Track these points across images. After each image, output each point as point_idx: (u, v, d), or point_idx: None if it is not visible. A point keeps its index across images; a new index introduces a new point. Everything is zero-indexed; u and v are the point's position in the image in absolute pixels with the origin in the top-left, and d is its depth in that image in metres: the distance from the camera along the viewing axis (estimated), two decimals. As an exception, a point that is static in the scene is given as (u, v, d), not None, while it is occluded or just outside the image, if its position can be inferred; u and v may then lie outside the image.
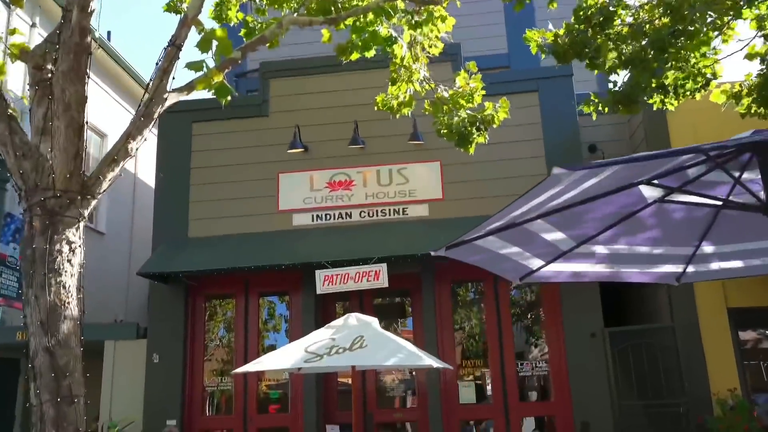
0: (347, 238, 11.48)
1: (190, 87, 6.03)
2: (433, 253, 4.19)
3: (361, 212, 11.88)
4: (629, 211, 4.41)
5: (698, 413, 10.33)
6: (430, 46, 8.38)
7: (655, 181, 3.92)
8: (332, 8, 7.22)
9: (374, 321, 7.62)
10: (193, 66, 5.79)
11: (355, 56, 7.99)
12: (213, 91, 5.99)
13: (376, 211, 11.85)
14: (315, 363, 6.87)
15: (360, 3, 7.29)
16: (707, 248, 5.08)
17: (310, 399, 11.29)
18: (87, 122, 5.63)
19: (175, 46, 5.94)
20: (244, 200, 12.14)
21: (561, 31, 8.72)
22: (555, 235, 4.40)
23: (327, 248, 11.23)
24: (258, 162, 12.27)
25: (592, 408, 10.68)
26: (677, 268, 5.26)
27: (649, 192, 4.23)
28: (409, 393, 11.81)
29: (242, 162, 12.32)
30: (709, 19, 8.71)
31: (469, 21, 9.98)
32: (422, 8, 7.55)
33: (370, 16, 7.46)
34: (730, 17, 8.84)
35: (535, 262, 4.78)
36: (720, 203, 4.27)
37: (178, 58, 5.96)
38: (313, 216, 11.96)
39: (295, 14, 6.89)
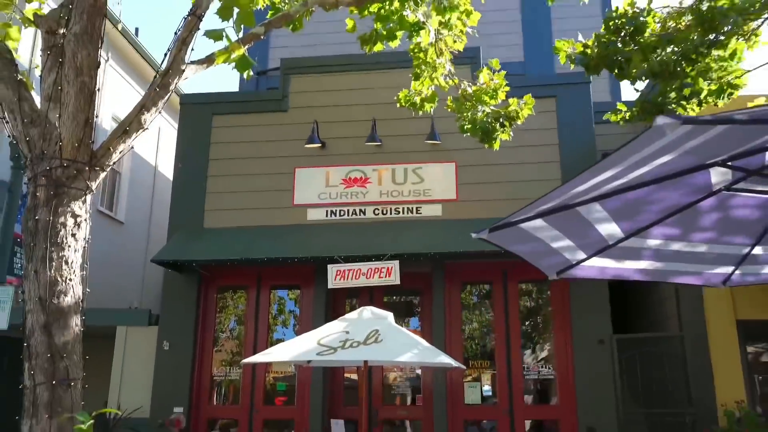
0: (361, 235, 10.80)
1: (210, 59, 5.35)
2: (474, 236, 3.47)
3: (375, 210, 11.20)
4: (691, 201, 3.68)
5: (704, 424, 9.73)
6: (455, 42, 7.69)
7: (730, 163, 3.21)
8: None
9: (389, 315, 6.93)
10: (212, 34, 5.11)
11: (379, 47, 7.31)
12: (234, 64, 5.31)
13: (390, 209, 11.17)
14: (328, 356, 6.19)
15: (387, -12, 6.60)
16: (761, 249, 4.36)
17: (316, 392, 10.62)
18: (99, 89, 4.96)
19: (195, 15, 5.25)
20: (260, 193, 11.48)
21: (590, 42, 8.14)
22: (609, 227, 3.68)
23: (340, 243, 10.57)
24: (275, 156, 11.60)
25: (597, 414, 10.02)
26: (726, 270, 4.55)
27: (717, 178, 3.52)
28: (415, 391, 11.09)
29: (260, 155, 11.66)
30: (729, 27, 8.10)
31: (487, 29, 9.36)
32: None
33: (396, 4, 6.80)
34: (760, 23, 8.24)
35: (578, 255, 4.05)
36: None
37: (198, 29, 5.28)
38: (327, 211, 11.29)
39: (322, -6, 6.18)
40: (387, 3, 6.57)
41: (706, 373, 10.02)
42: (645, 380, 10.26)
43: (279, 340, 10.98)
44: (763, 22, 8.20)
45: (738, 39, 8.27)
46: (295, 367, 10.69)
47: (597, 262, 4.18)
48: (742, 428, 9.23)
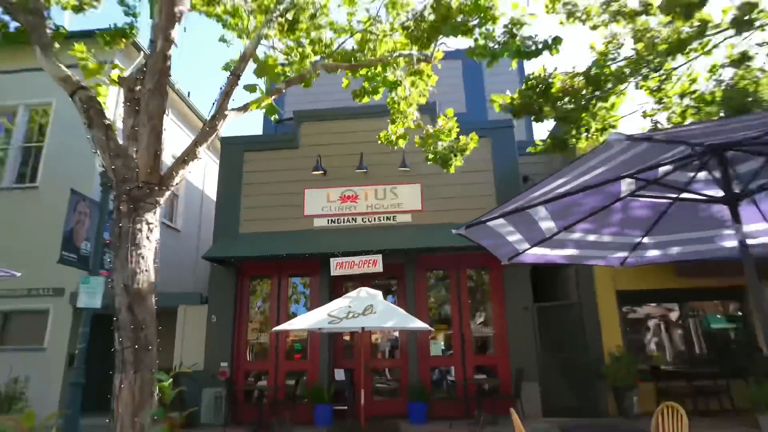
0: (353, 236, 10.57)
1: (245, 107, 5.13)
2: (454, 232, 3.29)
3: (363, 218, 10.98)
4: (606, 204, 3.56)
5: (595, 363, 9.75)
6: (420, 96, 7.55)
7: (637, 176, 3.09)
8: (352, 59, 6.35)
9: (379, 294, 6.70)
10: (249, 88, 4.90)
11: (366, 99, 7.11)
12: (264, 110, 5.09)
13: (374, 217, 10.96)
14: (336, 324, 5.94)
15: (373, 56, 6.42)
16: (647, 239, 4.25)
17: (324, 350, 10.33)
18: (165, 129, 4.69)
19: (235, 75, 5.04)
20: (279, 207, 11.18)
21: (515, 96, 8.14)
22: (548, 224, 3.53)
23: (339, 243, 10.32)
24: (290, 180, 11.33)
25: (523, 359, 9.93)
26: (623, 254, 4.42)
27: (625, 187, 3.40)
28: (394, 348, 10.84)
29: (279, 180, 11.37)
30: (609, 86, 8.16)
31: (440, 89, 9.24)
32: (418, 64, 6.70)
33: (379, 68, 6.63)
34: (627, 85, 8.32)
35: (524, 246, 3.89)
36: (675, 196, 3.45)
37: (237, 84, 5.06)
38: (328, 220, 11.03)
39: (326, 60, 6.00)
40: (373, 67, 6.40)
41: (596, 329, 10.02)
42: (555, 335, 10.21)
43: (294, 314, 10.66)
44: (628, 85, 8.28)
45: (614, 95, 8.33)
46: (308, 332, 10.39)
47: (536, 250, 4.03)
48: (620, 365, 9.30)
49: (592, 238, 4.02)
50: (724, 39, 7.17)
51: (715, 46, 7.28)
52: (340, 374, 9.84)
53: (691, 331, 10.37)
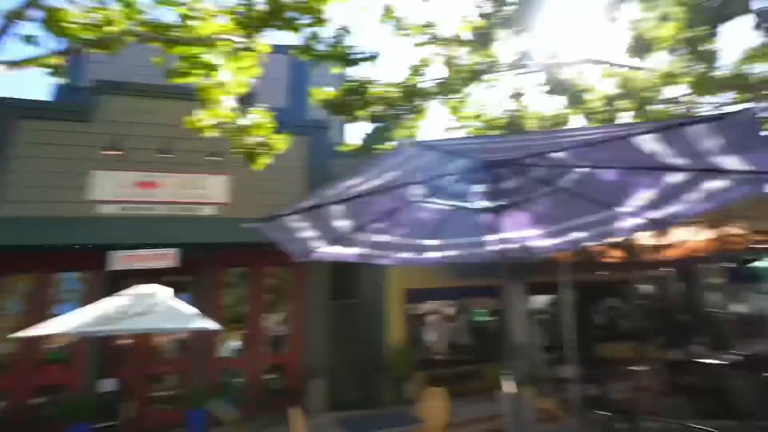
0: (149, 227, 9.35)
1: (25, 62, 4.16)
2: (244, 225, 3.11)
3: (164, 208, 9.81)
4: (396, 207, 3.79)
5: (381, 357, 10.42)
6: (239, 86, 7.16)
7: (425, 183, 3.36)
8: (169, 33, 5.70)
9: (166, 291, 6.00)
10: (27, 38, 3.99)
11: (179, 80, 6.46)
12: (51, 71, 4.19)
13: (176, 208, 9.91)
14: (106, 327, 5.09)
15: (194, 35, 5.86)
16: (430, 241, 4.66)
17: (93, 358, 8.85)
18: None
19: (10, 20, 4.06)
20: (58, 189, 9.27)
21: (334, 94, 8.39)
22: (342, 222, 3.59)
23: (130, 234, 9.03)
24: (76, 158, 9.48)
25: (315, 357, 10.08)
26: (408, 255, 4.76)
27: (415, 191, 3.67)
28: (181, 351, 9.84)
29: (61, 156, 9.41)
30: (418, 101, 8.98)
31: (263, 82, 8.85)
32: (241, 51, 6.35)
33: (196, 49, 6.09)
34: (432, 101, 9.20)
35: (317, 243, 3.90)
36: (456, 204, 3.88)
37: (7, 33, 4.08)
38: (121, 207, 9.63)
39: (138, 28, 5.24)
40: (189, 47, 5.84)
41: (384, 325, 10.72)
42: (349, 331, 10.62)
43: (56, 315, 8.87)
44: (434, 101, 9.22)
45: (420, 110, 9.18)
46: (74, 338, 8.66)
47: (330, 249, 4.06)
48: (401, 357, 10.29)
49: (381, 238, 4.23)
50: (508, 75, 8.57)
51: (498, 81, 8.63)
52: (110, 384, 8.56)
53: (462, 324, 11.93)
